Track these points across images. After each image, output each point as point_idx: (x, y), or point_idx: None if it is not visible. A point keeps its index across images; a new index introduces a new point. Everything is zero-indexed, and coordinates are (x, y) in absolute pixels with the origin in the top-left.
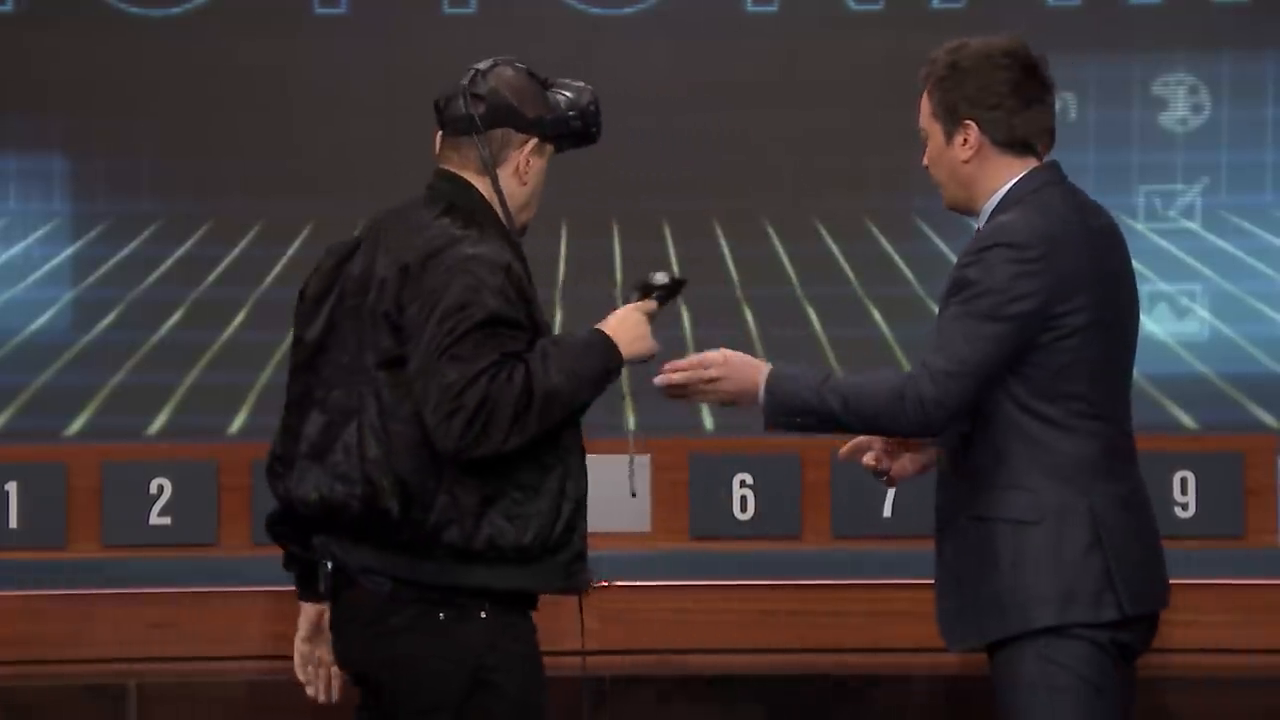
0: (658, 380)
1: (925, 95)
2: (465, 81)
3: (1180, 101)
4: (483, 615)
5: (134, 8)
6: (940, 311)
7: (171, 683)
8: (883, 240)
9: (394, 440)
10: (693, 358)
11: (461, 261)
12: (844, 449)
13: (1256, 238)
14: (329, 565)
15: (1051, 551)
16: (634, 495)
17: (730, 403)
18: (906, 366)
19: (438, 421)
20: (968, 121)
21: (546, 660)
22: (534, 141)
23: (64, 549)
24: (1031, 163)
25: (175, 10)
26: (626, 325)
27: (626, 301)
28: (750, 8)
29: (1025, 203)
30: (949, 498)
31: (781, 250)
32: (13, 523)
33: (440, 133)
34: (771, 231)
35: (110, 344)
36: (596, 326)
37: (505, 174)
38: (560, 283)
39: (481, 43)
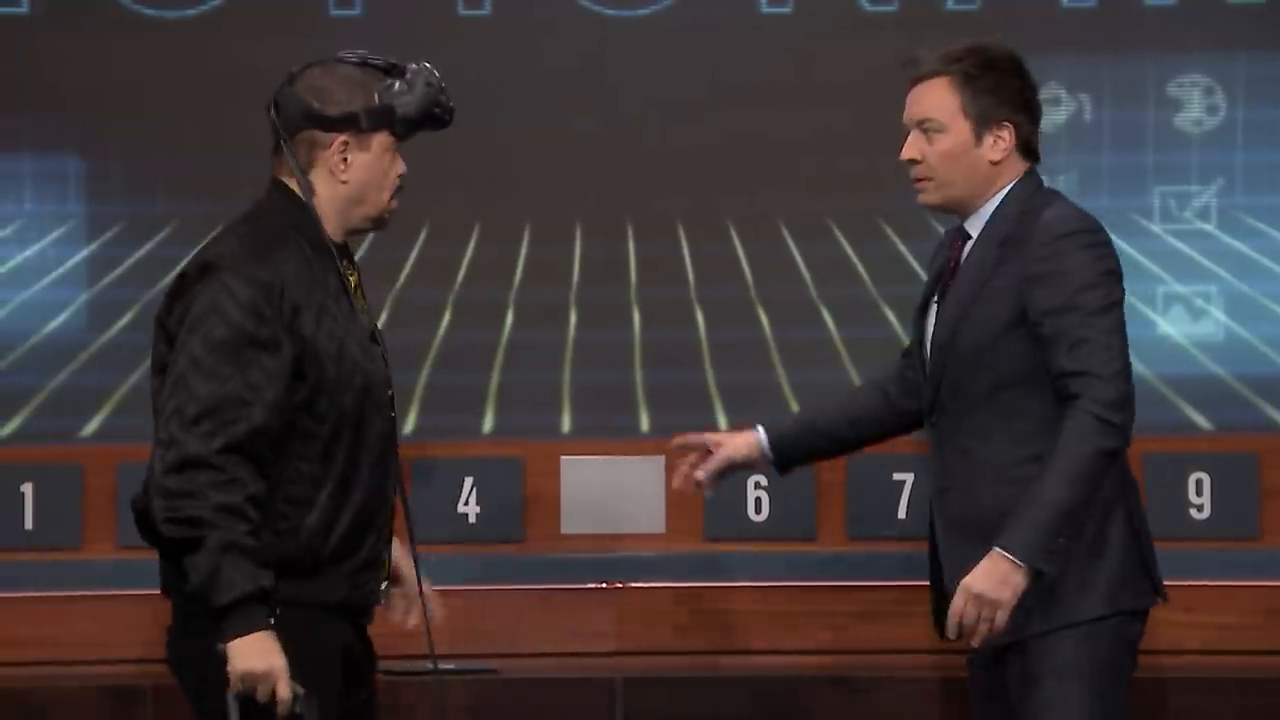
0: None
1: (946, 89)
2: (275, 90)
3: (1196, 102)
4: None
5: (149, 9)
6: (983, 311)
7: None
8: (897, 241)
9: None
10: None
11: (222, 274)
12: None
13: (1272, 239)
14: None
15: (1098, 542)
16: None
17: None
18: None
19: (161, 448)
20: (1007, 123)
21: (570, 661)
22: (341, 139)
23: (79, 550)
24: (1028, 167)
25: (191, 12)
26: (264, 657)
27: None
28: (765, 9)
29: (1057, 199)
30: (982, 499)
31: (796, 251)
32: (29, 524)
33: None
34: (786, 232)
35: (126, 345)
36: (257, 609)
37: (320, 176)
38: (574, 285)
39: (496, 45)
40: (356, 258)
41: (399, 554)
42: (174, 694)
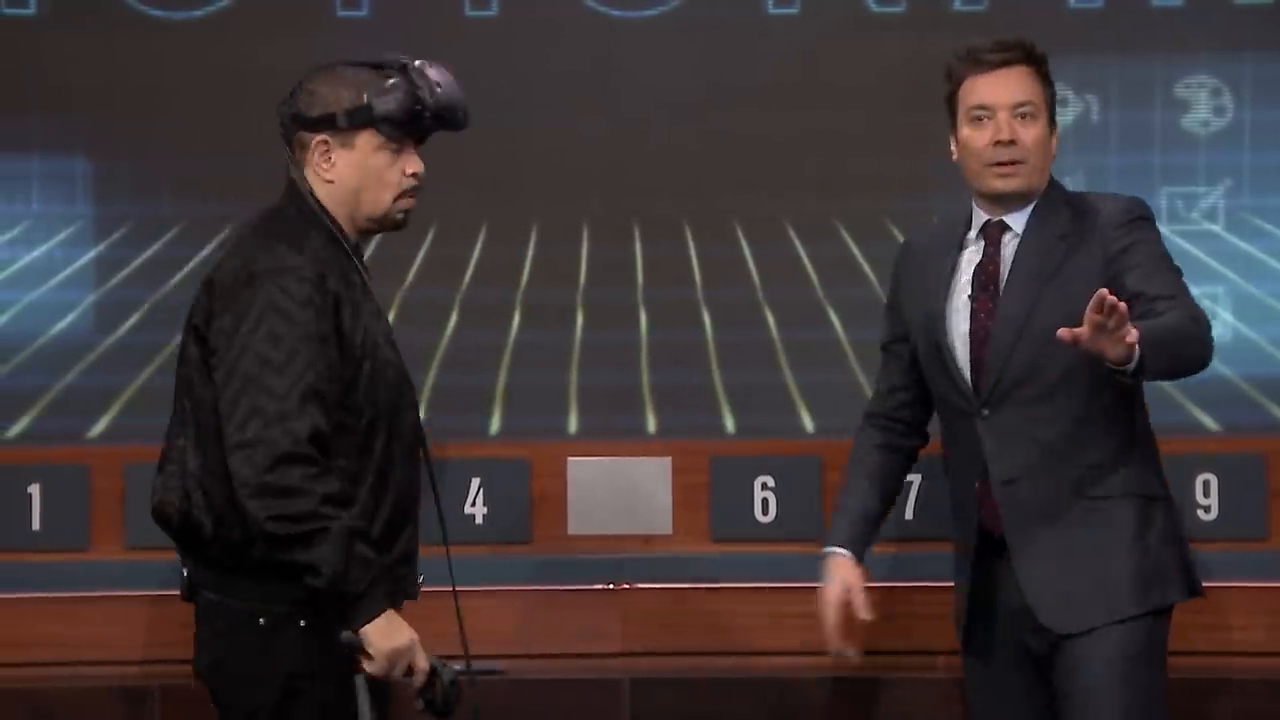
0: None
1: (1037, 78)
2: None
3: (1203, 103)
4: (301, 624)
5: (156, 10)
6: (1058, 295)
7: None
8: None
9: (209, 455)
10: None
11: (272, 274)
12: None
13: (1278, 239)
14: (184, 571)
15: (1176, 527)
16: None
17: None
18: None
19: (246, 450)
20: (1056, 123)
21: (577, 662)
22: (319, 139)
23: (87, 551)
24: None
25: (198, 13)
26: (399, 635)
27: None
28: (771, 10)
29: (1080, 194)
30: (1060, 485)
31: (802, 252)
32: (36, 525)
33: None
34: (792, 233)
35: (133, 346)
36: (382, 591)
37: (311, 177)
38: (581, 286)
39: (503, 46)
40: (365, 257)
41: None
42: (181, 694)
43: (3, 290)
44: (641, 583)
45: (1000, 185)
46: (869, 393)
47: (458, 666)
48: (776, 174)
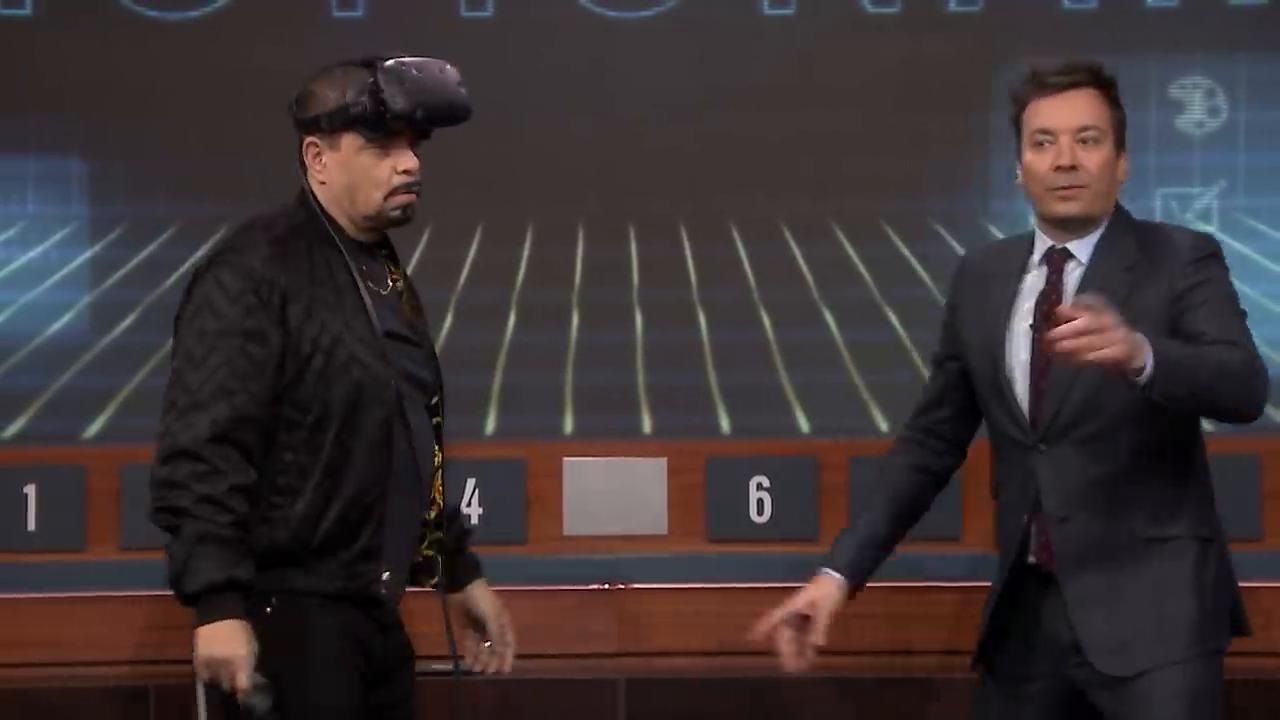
0: (1056, 334)
1: (1104, 100)
2: None
3: (1197, 104)
4: (268, 610)
5: (151, 11)
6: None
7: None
8: (899, 242)
9: None
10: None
11: (217, 267)
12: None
13: (1273, 240)
14: None
15: (1228, 569)
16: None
17: (1114, 362)
18: (923, 371)
19: (159, 436)
20: (1126, 148)
21: (573, 662)
22: (308, 140)
23: (83, 551)
24: None
25: (193, 13)
26: (229, 643)
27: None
28: (766, 10)
29: (1149, 224)
30: (1117, 526)
31: (797, 252)
32: (31, 525)
33: None
34: (787, 234)
35: (129, 346)
36: (224, 599)
37: (310, 178)
38: (577, 286)
39: (498, 46)
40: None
41: (481, 594)
42: (178, 694)
43: None
44: (637, 583)
45: (1061, 209)
46: (865, 394)
47: (436, 666)
48: (772, 175)
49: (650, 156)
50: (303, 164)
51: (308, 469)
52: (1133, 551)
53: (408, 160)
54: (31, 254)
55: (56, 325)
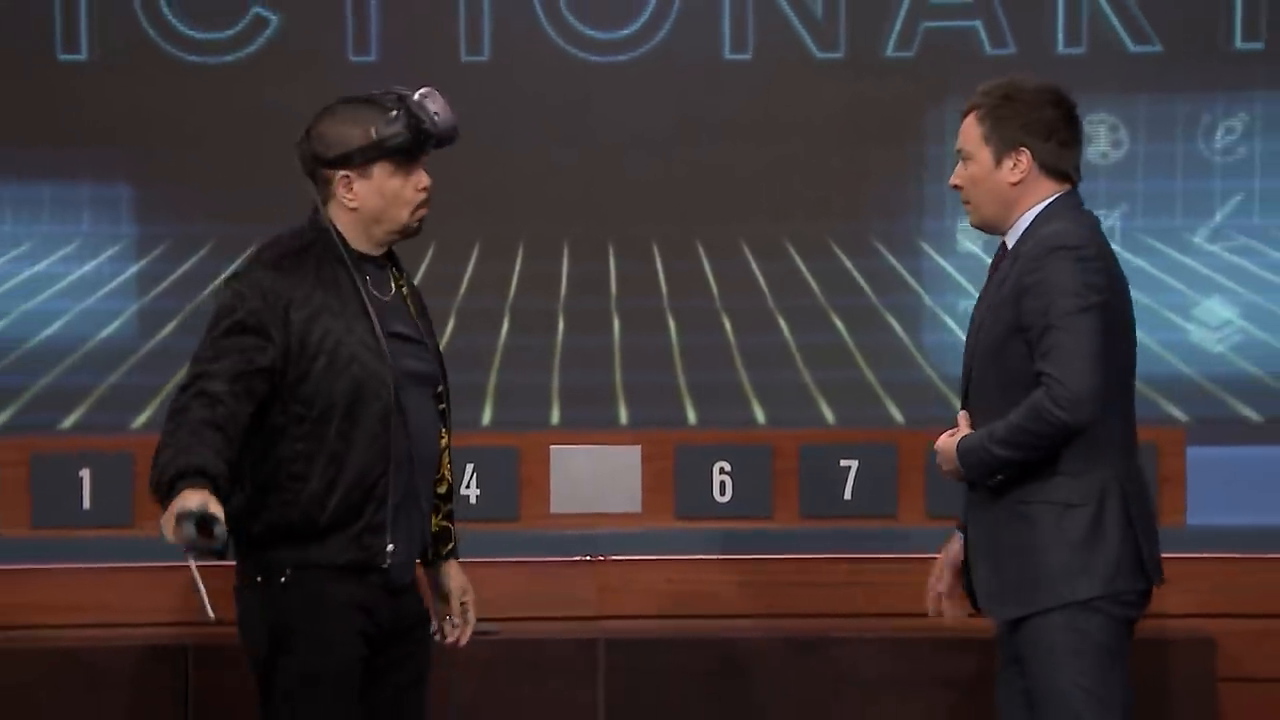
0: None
1: (973, 121)
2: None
3: (1103, 138)
4: (283, 580)
5: (192, 56)
6: (994, 316)
7: (224, 644)
8: (843, 257)
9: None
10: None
11: (231, 280)
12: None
13: (1167, 256)
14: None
15: (1092, 530)
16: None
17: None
18: (866, 369)
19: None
20: (1022, 148)
21: (558, 625)
22: (341, 174)
23: (131, 527)
24: (1065, 187)
25: (228, 58)
26: (180, 500)
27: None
28: (729, 55)
29: (1064, 217)
30: (989, 486)
31: (755, 268)
32: (87, 504)
33: None
34: (747, 251)
35: (171, 349)
36: (183, 484)
37: (336, 207)
38: (562, 297)
39: (494, 86)
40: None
41: (451, 572)
42: (212, 652)
43: (57, 300)
44: (615, 555)
45: (968, 221)
46: (814, 390)
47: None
48: (733, 199)
49: (627, 183)
50: (321, 193)
51: (314, 456)
52: (1009, 512)
53: (424, 178)
54: (85, 268)
55: (107, 330)
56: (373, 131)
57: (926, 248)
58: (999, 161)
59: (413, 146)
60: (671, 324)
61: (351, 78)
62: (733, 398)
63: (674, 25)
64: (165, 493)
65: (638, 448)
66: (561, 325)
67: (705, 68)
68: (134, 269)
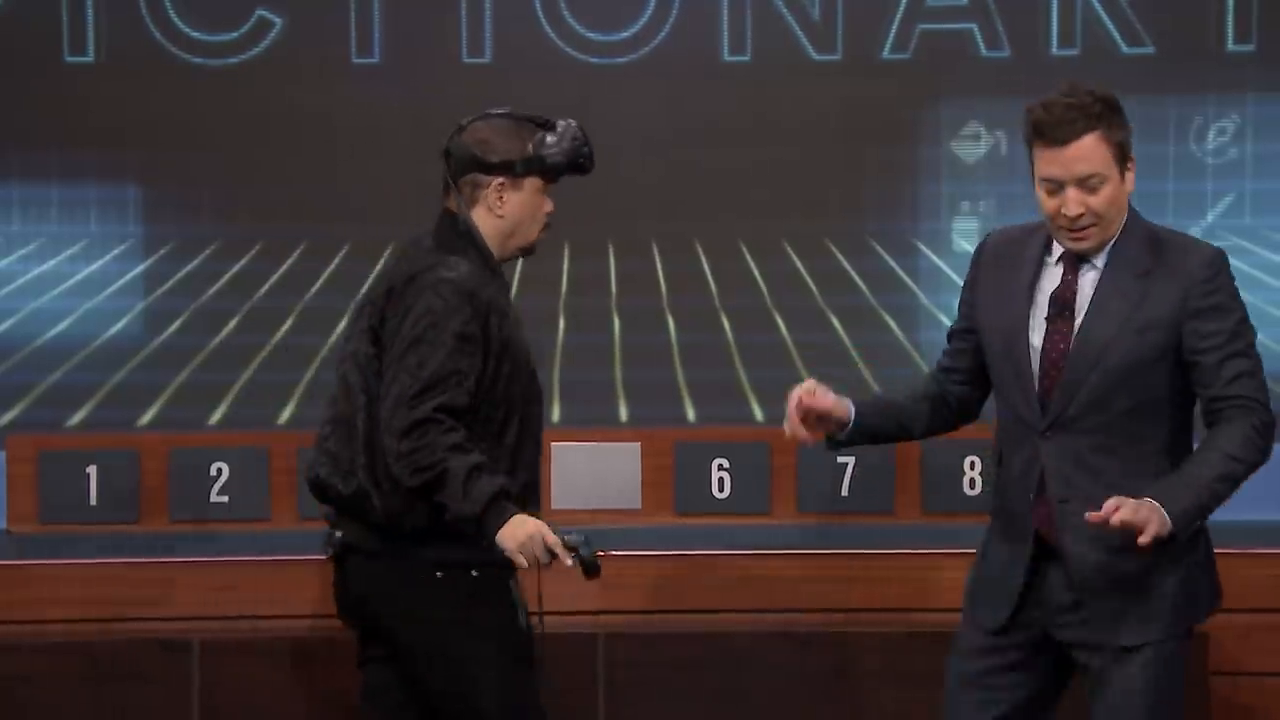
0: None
1: (1097, 143)
2: (446, 140)
3: None
4: (473, 575)
5: (198, 58)
6: (1138, 338)
7: (230, 639)
8: (840, 258)
9: (376, 441)
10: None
11: (433, 283)
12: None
13: None
14: (337, 533)
15: (1209, 552)
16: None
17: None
18: (862, 367)
19: (388, 419)
20: (1132, 157)
21: (559, 618)
22: (498, 181)
23: (136, 523)
24: None
25: (233, 60)
26: (522, 528)
27: (565, 544)
28: (727, 58)
29: (1156, 227)
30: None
31: (754, 266)
32: (93, 500)
33: None
34: (745, 250)
35: (176, 347)
36: (506, 504)
37: (480, 211)
38: (563, 295)
39: (495, 88)
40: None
41: None
42: (217, 646)
43: (65, 299)
44: (615, 550)
45: (1074, 246)
46: None
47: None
48: (731, 200)
49: (627, 183)
50: (464, 197)
51: (496, 457)
52: (1123, 534)
53: (550, 202)
54: (92, 267)
55: (114, 329)
56: (536, 146)
57: (922, 247)
58: (1123, 176)
59: (565, 168)
60: (670, 322)
61: (354, 79)
62: (731, 395)
63: (673, 28)
64: (478, 520)
65: (637, 445)
66: (562, 324)
67: (704, 70)
68: (140, 268)
